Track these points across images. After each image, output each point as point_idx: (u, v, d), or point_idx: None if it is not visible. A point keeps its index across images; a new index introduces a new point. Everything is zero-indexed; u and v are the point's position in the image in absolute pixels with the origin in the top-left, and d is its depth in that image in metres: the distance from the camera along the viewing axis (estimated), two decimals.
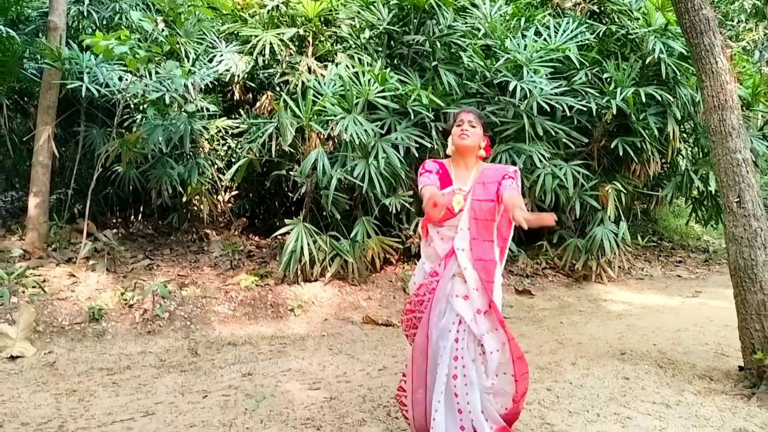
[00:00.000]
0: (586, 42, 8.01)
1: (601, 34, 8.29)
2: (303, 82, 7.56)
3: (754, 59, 12.29)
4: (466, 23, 7.90)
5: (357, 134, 6.60)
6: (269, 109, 7.94)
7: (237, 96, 8.40)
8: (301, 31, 7.85)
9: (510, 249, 3.41)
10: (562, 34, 7.85)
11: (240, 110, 8.40)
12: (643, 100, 7.53)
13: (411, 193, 7.23)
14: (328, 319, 6.35)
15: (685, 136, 9.16)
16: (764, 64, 12.63)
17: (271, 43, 7.56)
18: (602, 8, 8.78)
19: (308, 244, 6.66)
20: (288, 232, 6.79)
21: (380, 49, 8.07)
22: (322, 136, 7.15)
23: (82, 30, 7.85)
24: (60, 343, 5.19)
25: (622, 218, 8.31)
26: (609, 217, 8.12)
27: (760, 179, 11.71)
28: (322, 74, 7.63)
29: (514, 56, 7.38)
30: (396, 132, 7.06)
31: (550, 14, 8.62)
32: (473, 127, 3.22)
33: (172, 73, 6.78)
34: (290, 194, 8.34)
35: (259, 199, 9.17)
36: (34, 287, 5.74)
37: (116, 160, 7.15)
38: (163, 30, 7.50)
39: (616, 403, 4.22)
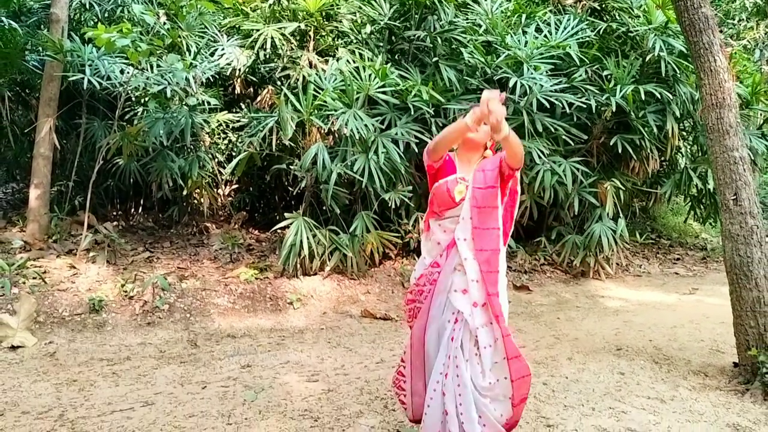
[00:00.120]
0: (587, 39, 8.03)
1: (601, 31, 8.32)
2: (304, 77, 7.58)
3: (754, 58, 12.31)
4: (467, 19, 7.92)
5: (357, 129, 6.63)
6: (270, 103, 7.96)
7: (238, 90, 8.43)
8: (303, 26, 7.86)
9: (509, 245, 3.37)
10: (563, 31, 7.87)
11: (241, 104, 8.42)
12: (643, 97, 7.56)
13: (410, 188, 7.27)
14: (327, 313, 6.40)
15: (684, 134, 9.19)
16: (764, 63, 12.66)
17: (272, 38, 7.58)
18: (603, 5, 8.80)
19: (308, 238, 6.69)
20: (288, 226, 6.82)
21: (381, 44, 8.09)
22: (322, 131, 7.19)
23: (84, 22, 7.87)
24: (60, 334, 5.23)
25: (621, 215, 8.34)
26: (607, 214, 8.15)
27: (759, 178, 11.77)
28: (323, 69, 7.66)
29: (514, 53, 7.41)
30: (396, 127, 7.09)
31: (550, 11, 8.65)
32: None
33: (174, 66, 6.81)
34: (290, 188, 8.37)
35: (259, 193, 9.20)
36: (34, 278, 5.77)
37: (117, 153, 7.17)
38: (164, 23, 7.52)
39: (611, 397, 4.26)
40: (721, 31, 11.42)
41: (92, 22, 7.69)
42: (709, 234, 12.00)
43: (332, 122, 7.00)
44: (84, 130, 7.40)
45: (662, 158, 9.00)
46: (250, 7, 8.25)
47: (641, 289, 8.27)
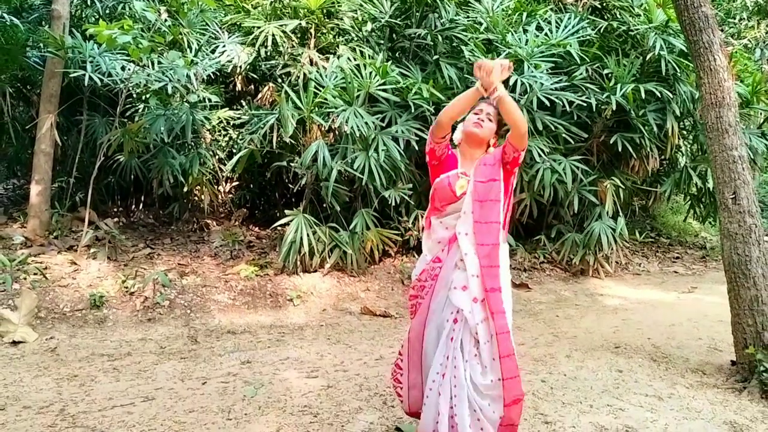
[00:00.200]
0: (587, 38, 8.04)
1: (602, 30, 8.33)
2: (305, 74, 7.60)
3: (755, 57, 12.31)
4: (468, 17, 7.94)
5: (358, 127, 6.64)
6: (271, 100, 7.98)
7: (239, 87, 8.44)
8: (304, 23, 7.87)
9: (508, 243, 3.35)
10: (564, 30, 7.89)
11: (242, 101, 8.44)
12: (643, 96, 7.58)
13: (410, 186, 7.29)
14: (327, 310, 6.42)
15: (684, 133, 9.21)
16: (765, 62, 12.66)
17: (273, 35, 7.59)
18: (604, 4, 8.82)
19: (308, 235, 6.71)
20: (288, 223, 6.84)
21: (382, 42, 8.11)
22: (323, 128, 7.20)
23: (85, 19, 7.89)
24: (61, 329, 5.25)
25: (620, 214, 8.37)
26: (607, 212, 8.18)
27: (759, 177, 11.78)
28: (323, 66, 7.67)
29: (515, 51, 7.42)
30: (396, 125, 7.11)
31: (551, 9, 8.67)
32: (490, 120, 3.11)
33: (175, 63, 6.82)
34: (290, 185, 8.39)
35: (260, 190, 9.22)
36: (35, 274, 5.80)
37: (118, 150, 7.19)
38: (166, 20, 7.53)
39: (609, 394, 4.28)
40: (721, 30, 11.42)
41: (93, 19, 7.71)
42: (709, 233, 12.02)
43: (333, 120, 7.02)
44: (85, 126, 7.41)
45: (662, 157, 9.02)
46: (251, 5, 8.27)
47: (640, 287, 8.29)
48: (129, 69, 6.93)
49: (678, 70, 7.96)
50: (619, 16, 8.54)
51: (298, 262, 6.79)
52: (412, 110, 7.16)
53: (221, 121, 8.12)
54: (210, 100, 7.62)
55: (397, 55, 8.11)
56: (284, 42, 7.77)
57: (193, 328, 5.63)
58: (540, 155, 7.44)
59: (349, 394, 4.16)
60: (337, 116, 6.79)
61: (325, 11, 8.00)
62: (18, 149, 8.28)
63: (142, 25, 7.05)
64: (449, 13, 7.75)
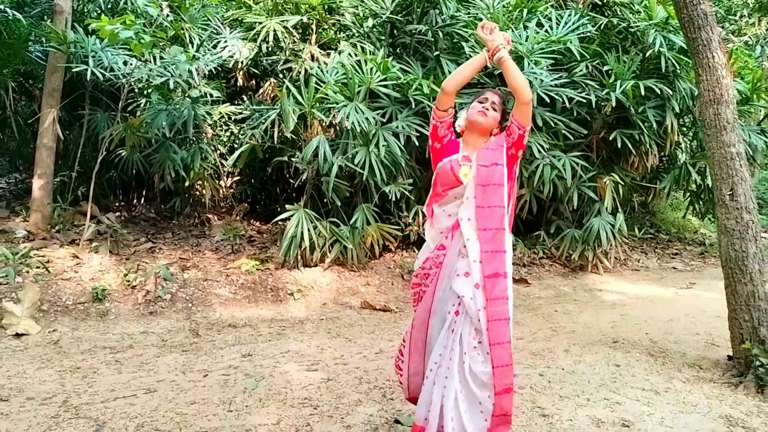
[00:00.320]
0: (588, 34, 8.06)
1: (602, 26, 8.33)
2: (306, 70, 7.63)
3: (755, 54, 12.31)
4: (469, 13, 7.96)
5: (358, 122, 6.68)
6: (272, 95, 8.00)
7: (240, 82, 8.47)
8: (305, 19, 7.90)
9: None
10: (564, 26, 7.92)
11: (243, 96, 8.46)
12: (643, 93, 7.59)
13: (411, 181, 7.32)
14: (327, 304, 6.46)
15: (684, 129, 9.23)
16: (765, 59, 12.66)
17: (274, 30, 7.62)
18: (604, 1, 8.82)
19: (308, 230, 6.75)
20: (289, 218, 6.88)
21: (383, 37, 8.13)
22: (323, 124, 7.23)
23: (87, 14, 7.91)
24: (64, 322, 5.30)
25: (620, 210, 8.40)
26: (606, 208, 8.21)
27: (759, 174, 11.81)
28: (324, 62, 7.70)
29: (515, 47, 7.44)
30: (397, 120, 7.14)
31: (552, 6, 8.67)
32: (495, 110, 3.10)
33: (177, 58, 6.84)
34: (291, 180, 8.42)
35: (261, 185, 9.25)
36: (38, 267, 5.84)
37: (120, 144, 7.22)
38: (168, 15, 7.56)
39: (606, 388, 4.32)
40: (722, 27, 11.46)
41: (96, 14, 7.73)
42: (708, 229, 12.05)
43: (334, 115, 7.05)
44: (87, 121, 7.44)
45: (661, 153, 9.04)
46: (253, 0, 8.29)
47: (639, 283, 8.34)
48: (131, 64, 6.96)
49: (678, 67, 7.97)
50: (619, 12, 8.54)
51: (299, 257, 6.83)
52: (413, 106, 7.19)
53: (222, 116, 8.15)
54: (211, 95, 7.64)
55: (397, 51, 8.13)
56: (285, 37, 7.79)
57: (195, 322, 5.68)
58: (540, 151, 7.47)
59: (349, 386, 4.21)
60: (338, 112, 6.82)
61: (326, 7, 8.02)
62: (20, 143, 8.31)
63: (144, 20, 7.08)
64: (450, 9, 7.76)
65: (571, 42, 7.67)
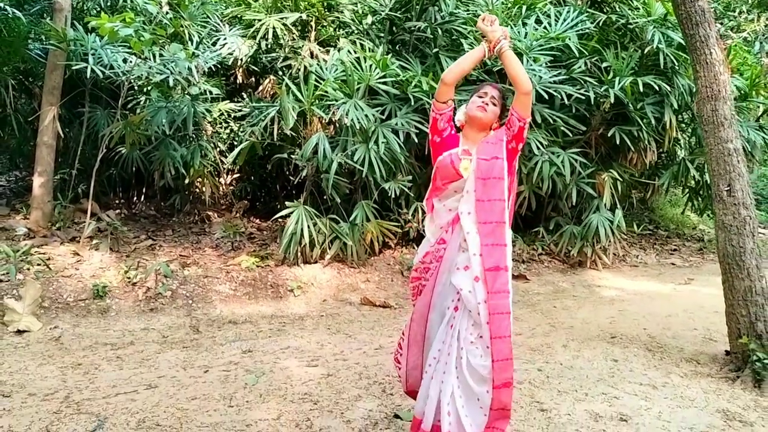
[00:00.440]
0: (586, 31, 8.08)
1: (601, 23, 8.35)
2: (305, 67, 7.64)
3: (754, 50, 12.33)
4: (468, 11, 7.97)
5: (358, 119, 6.69)
6: (271, 93, 8.01)
7: (240, 79, 8.48)
8: (304, 16, 7.91)
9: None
10: (563, 23, 7.93)
11: (243, 94, 8.47)
12: (641, 89, 7.61)
13: (410, 178, 7.34)
14: (327, 300, 6.49)
15: (683, 126, 9.25)
16: (764, 55, 12.68)
17: (274, 28, 7.63)
18: None
19: (308, 227, 6.77)
20: (288, 215, 6.90)
21: (382, 35, 8.14)
22: (323, 121, 7.25)
23: (87, 11, 7.91)
24: (65, 319, 5.32)
25: (618, 206, 8.42)
26: (605, 204, 8.23)
27: (757, 170, 11.82)
28: (324, 59, 7.71)
29: (514, 44, 7.45)
30: (396, 117, 7.16)
31: (550, 2, 8.67)
32: (494, 105, 3.08)
33: (176, 55, 6.85)
34: (291, 177, 8.45)
35: (261, 182, 9.27)
36: (39, 265, 5.86)
37: (120, 142, 7.23)
38: (167, 13, 7.56)
39: (604, 383, 4.35)
40: (721, 24, 11.46)
41: (95, 11, 7.72)
42: (707, 225, 12.07)
43: (333, 112, 7.07)
44: (87, 118, 7.45)
45: (660, 150, 9.07)
46: None
47: (637, 279, 8.36)
48: (131, 61, 6.97)
49: (676, 63, 7.99)
50: (617, 9, 8.56)
51: (299, 254, 6.85)
52: (412, 103, 7.20)
53: (222, 114, 8.17)
54: (211, 93, 7.66)
55: (397, 48, 8.14)
56: (285, 35, 7.80)
57: (195, 318, 5.70)
58: (539, 148, 7.49)
59: (349, 382, 4.23)
60: (338, 109, 6.84)
61: (325, 4, 8.03)
62: (20, 141, 8.32)
63: (143, 18, 7.09)
64: (449, 6, 7.78)
65: (569, 39, 7.68)
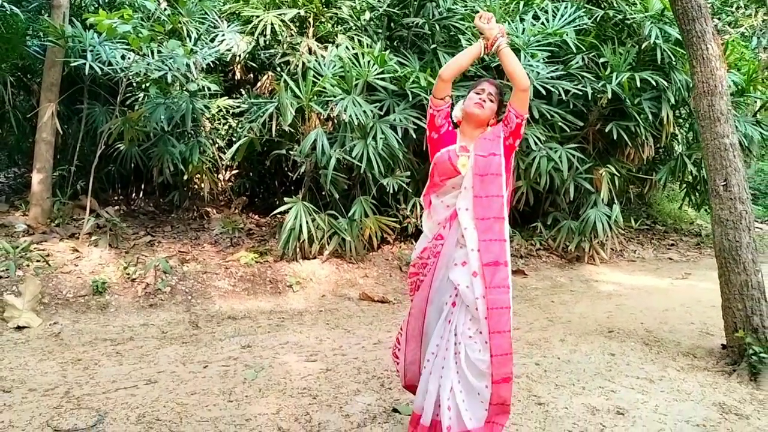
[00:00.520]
0: (584, 26, 8.09)
1: (598, 18, 8.36)
2: (303, 63, 7.64)
3: (751, 45, 12.33)
4: (466, 6, 7.97)
5: (356, 115, 6.70)
6: (270, 89, 8.03)
7: (238, 76, 8.49)
8: (302, 12, 7.91)
9: None
10: (560, 19, 7.94)
11: (241, 90, 8.49)
12: (639, 84, 7.64)
13: (408, 173, 7.35)
14: (326, 296, 6.51)
15: (680, 121, 9.27)
16: (762, 51, 12.69)
17: (272, 24, 7.63)
18: None
19: (307, 223, 6.79)
20: (287, 211, 6.92)
21: (380, 31, 8.15)
22: (321, 117, 7.26)
23: (85, 8, 7.91)
24: (65, 315, 5.34)
25: (616, 201, 8.45)
26: (603, 200, 8.27)
27: (754, 165, 11.84)
28: (322, 55, 7.72)
29: (512, 40, 7.46)
30: (394, 113, 7.17)
31: None
32: (492, 101, 3.08)
33: (175, 52, 6.84)
34: (290, 173, 8.46)
35: (259, 178, 9.28)
36: (38, 261, 5.88)
37: (118, 138, 7.24)
38: (165, 9, 7.56)
39: (601, 377, 4.38)
40: (718, 19, 11.45)
41: (93, 8, 7.73)
42: (704, 220, 12.11)
43: (331, 108, 7.08)
44: (85, 115, 7.46)
45: (657, 145, 9.09)
46: None
47: (635, 273, 8.40)
48: (129, 58, 6.97)
49: (673, 59, 8.01)
50: (615, 4, 8.56)
51: (298, 249, 6.87)
52: (410, 99, 7.21)
53: (221, 110, 8.17)
54: (209, 89, 7.66)
55: (395, 44, 8.15)
56: (283, 31, 7.81)
57: (194, 314, 5.72)
58: (536, 143, 7.51)
59: (348, 376, 4.26)
60: (336, 105, 6.85)
61: (323, 0, 8.03)
62: (19, 138, 8.32)
63: (141, 15, 7.08)
64: (447, 2, 7.78)
65: (567, 34, 7.70)
